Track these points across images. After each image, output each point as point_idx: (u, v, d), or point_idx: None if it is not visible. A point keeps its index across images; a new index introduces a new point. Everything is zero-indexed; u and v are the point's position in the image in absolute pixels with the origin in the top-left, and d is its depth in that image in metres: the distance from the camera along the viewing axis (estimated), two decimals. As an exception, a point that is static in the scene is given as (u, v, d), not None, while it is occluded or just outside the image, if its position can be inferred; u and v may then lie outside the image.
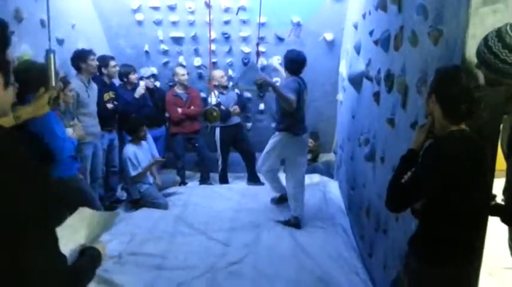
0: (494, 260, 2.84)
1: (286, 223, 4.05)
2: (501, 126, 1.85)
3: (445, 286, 1.67)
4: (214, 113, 4.89)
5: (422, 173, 1.65)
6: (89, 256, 1.43)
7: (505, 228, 2.04)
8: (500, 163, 1.83)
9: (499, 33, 1.56)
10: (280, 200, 4.55)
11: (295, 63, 4.00)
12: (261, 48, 5.23)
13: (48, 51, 2.41)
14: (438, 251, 1.68)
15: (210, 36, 4.54)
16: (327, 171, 5.63)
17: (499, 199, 1.91)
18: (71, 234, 1.47)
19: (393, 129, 2.75)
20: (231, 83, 5.54)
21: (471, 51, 1.76)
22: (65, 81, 3.61)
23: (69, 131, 3.33)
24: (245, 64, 5.42)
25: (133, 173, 4.42)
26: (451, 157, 1.59)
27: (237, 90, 5.45)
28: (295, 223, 4.03)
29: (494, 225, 1.89)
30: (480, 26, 1.76)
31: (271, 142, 4.20)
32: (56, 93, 3.09)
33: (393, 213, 1.92)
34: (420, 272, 1.73)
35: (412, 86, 2.37)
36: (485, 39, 1.61)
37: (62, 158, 3.06)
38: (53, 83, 2.81)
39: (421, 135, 1.78)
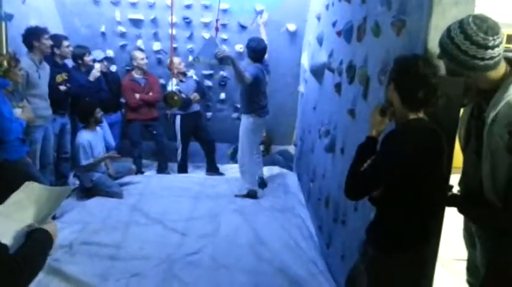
0: (446, 252, 2.94)
1: (245, 196, 4.42)
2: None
3: (401, 273, 1.69)
4: (175, 97, 4.77)
5: (381, 161, 1.66)
6: (37, 241, 1.30)
7: (457, 220, 2.09)
8: (457, 160, 1.87)
9: (461, 24, 1.58)
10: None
11: (256, 51, 4.27)
12: (224, 36, 5.17)
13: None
14: (395, 239, 1.71)
15: (171, 20, 4.39)
16: (285, 162, 5.66)
17: (455, 190, 1.96)
18: (16, 212, 1.37)
19: (353, 120, 2.77)
20: (192, 71, 5.43)
21: (433, 42, 1.78)
22: (15, 59, 3.37)
23: (18, 111, 3.14)
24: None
25: (84, 162, 4.22)
26: (409, 145, 1.61)
27: (195, 77, 5.35)
28: (253, 195, 4.43)
29: (446, 217, 1.94)
30: (442, 17, 1.78)
31: (241, 130, 4.46)
32: (7, 64, 2.90)
33: (352, 201, 1.92)
34: (377, 259, 1.74)
35: (374, 77, 2.38)
36: (448, 30, 1.63)
37: (8, 140, 2.89)
38: (3, 51, 2.61)
39: (381, 122, 1.79)
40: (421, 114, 1.68)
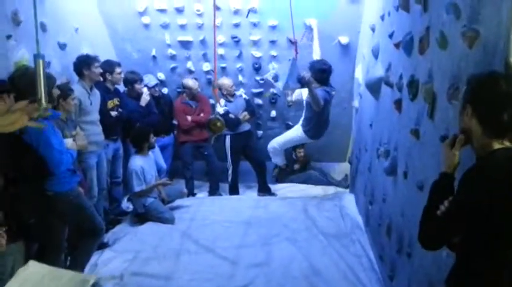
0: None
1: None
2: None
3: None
4: (218, 123, 4.70)
5: (462, 203, 1.38)
6: None
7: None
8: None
9: None
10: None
11: (324, 72, 4.27)
12: (273, 52, 5.03)
13: (36, 57, 2.16)
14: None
15: (215, 40, 4.32)
16: (319, 178, 5.59)
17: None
18: None
19: (418, 141, 2.48)
20: (241, 90, 5.33)
21: (516, 55, 1.50)
22: (68, 89, 3.42)
23: (69, 141, 3.13)
24: (256, 69, 5.20)
25: (137, 188, 4.20)
26: (496, 182, 1.32)
27: (244, 96, 5.25)
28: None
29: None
30: (526, 26, 1.50)
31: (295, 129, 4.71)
32: (52, 102, 2.91)
33: (429, 250, 1.63)
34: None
35: (442, 94, 2.10)
36: None
37: (59, 172, 2.86)
38: (42, 92, 2.61)
39: (453, 156, 1.51)
40: (507, 143, 1.39)
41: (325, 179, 5.60)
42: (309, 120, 4.43)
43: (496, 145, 1.40)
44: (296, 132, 4.74)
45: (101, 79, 4.16)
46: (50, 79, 2.92)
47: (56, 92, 3.02)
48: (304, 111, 4.60)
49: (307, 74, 4.09)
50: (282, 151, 5.03)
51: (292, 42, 4.49)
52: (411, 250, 2.54)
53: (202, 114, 5.12)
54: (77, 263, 3.19)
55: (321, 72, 4.16)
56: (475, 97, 1.43)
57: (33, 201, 2.84)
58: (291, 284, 3.11)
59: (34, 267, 1.31)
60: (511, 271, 1.39)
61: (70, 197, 2.97)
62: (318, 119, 4.40)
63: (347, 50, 4.88)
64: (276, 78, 4.29)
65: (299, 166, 5.72)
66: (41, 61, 2.05)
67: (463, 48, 1.86)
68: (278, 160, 5.09)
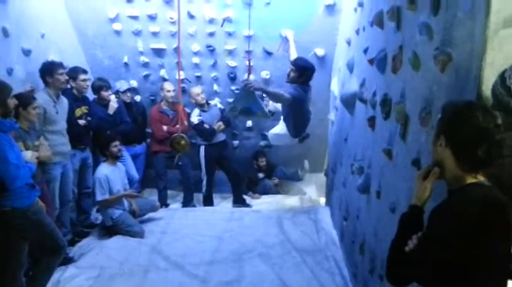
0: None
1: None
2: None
3: None
4: (182, 142, 4.51)
5: (432, 240, 1.31)
6: None
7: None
8: None
9: None
10: None
11: (305, 70, 4.04)
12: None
13: None
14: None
15: (179, 49, 4.21)
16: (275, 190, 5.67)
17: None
18: None
19: (391, 161, 2.42)
20: (217, 99, 5.23)
21: (488, 83, 1.45)
22: (30, 97, 3.25)
23: (28, 154, 2.97)
24: (231, 79, 5.11)
25: (99, 197, 4.04)
26: (466, 221, 1.26)
27: (219, 105, 5.16)
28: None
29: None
30: (499, 52, 1.46)
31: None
32: (8, 113, 2.75)
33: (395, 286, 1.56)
34: None
35: (414, 116, 2.05)
36: (502, 78, 1.33)
37: (15, 187, 2.70)
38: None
39: (424, 188, 1.44)
40: (481, 178, 1.34)
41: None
42: (286, 120, 4.25)
43: (469, 179, 1.34)
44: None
45: (68, 86, 3.99)
46: (4, 89, 2.76)
47: (13, 101, 2.84)
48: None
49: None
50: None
51: (247, 63, 4.27)
52: (383, 273, 2.48)
53: (177, 125, 4.99)
54: (37, 281, 3.02)
55: (304, 70, 3.98)
56: (450, 128, 1.36)
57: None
58: (261, 305, 3.01)
59: None
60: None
61: (28, 213, 2.81)
62: (294, 118, 4.15)
63: (323, 62, 4.83)
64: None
65: (263, 175, 5.65)
66: None
67: (435, 72, 1.81)
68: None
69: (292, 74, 4.00)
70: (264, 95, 4.08)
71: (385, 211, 2.46)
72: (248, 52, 4.46)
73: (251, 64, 4.26)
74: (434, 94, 1.83)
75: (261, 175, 5.64)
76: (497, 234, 1.29)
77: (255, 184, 5.63)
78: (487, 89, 1.47)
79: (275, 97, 3.93)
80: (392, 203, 2.34)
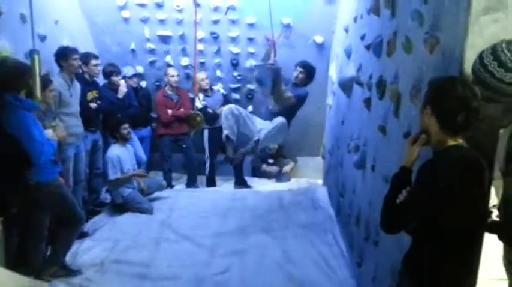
0: (484, 272, 2.79)
1: None
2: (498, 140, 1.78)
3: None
4: (198, 118, 4.83)
5: (418, 193, 1.57)
6: None
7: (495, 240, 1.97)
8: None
9: (494, 51, 1.50)
10: None
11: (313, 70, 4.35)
12: (250, 49, 5.18)
13: (32, 52, 2.21)
14: (433, 273, 1.61)
15: (195, 36, 4.40)
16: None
17: (494, 215, 1.85)
18: None
19: (385, 137, 2.68)
20: (219, 85, 5.46)
21: (470, 62, 1.69)
22: (47, 81, 3.46)
23: (49, 132, 3.18)
24: (233, 65, 5.33)
25: (112, 176, 4.29)
26: (448, 176, 1.51)
27: (222, 91, 5.39)
28: None
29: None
30: (480, 35, 1.69)
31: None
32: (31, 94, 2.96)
33: (388, 234, 1.82)
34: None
35: (406, 94, 2.30)
36: (481, 57, 1.55)
37: (40, 162, 2.92)
38: (37, 87, 2.69)
39: (413, 151, 1.70)
40: (460, 140, 1.59)
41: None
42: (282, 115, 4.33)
43: (451, 142, 1.59)
44: None
45: (80, 71, 4.20)
46: (27, 70, 2.96)
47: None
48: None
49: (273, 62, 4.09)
50: None
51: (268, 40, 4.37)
52: (378, 238, 2.75)
53: (182, 109, 5.22)
54: (58, 252, 3.27)
55: (312, 71, 4.32)
56: (435, 99, 1.61)
57: (16, 191, 2.91)
58: (265, 271, 3.28)
59: None
60: (458, 253, 1.60)
61: (51, 186, 3.04)
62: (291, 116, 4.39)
63: (322, 50, 5.07)
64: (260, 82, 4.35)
65: (273, 161, 5.90)
66: (36, 56, 2.16)
67: (425, 53, 2.05)
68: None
69: (301, 76, 4.26)
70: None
71: (379, 181, 2.71)
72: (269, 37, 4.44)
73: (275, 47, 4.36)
74: (424, 73, 2.07)
75: (270, 161, 5.88)
76: (473, 189, 1.54)
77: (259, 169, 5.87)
78: (468, 67, 1.70)
79: (280, 91, 4.04)
80: (385, 174, 2.58)
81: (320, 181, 5.46)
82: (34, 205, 3.03)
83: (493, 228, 1.75)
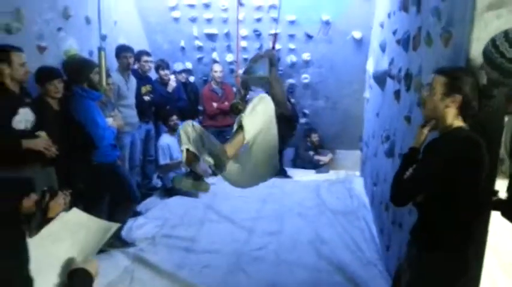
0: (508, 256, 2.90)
1: None
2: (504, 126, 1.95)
3: (443, 271, 1.80)
4: (240, 107, 5.11)
5: (421, 168, 1.78)
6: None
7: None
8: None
9: (506, 34, 1.67)
10: None
11: None
12: (291, 45, 5.43)
13: (100, 49, 2.66)
14: (436, 238, 1.81)
15: (238, 33, 4.70)
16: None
17: (503, 195, 2.00)
18: (52, 245, 1.31)
19: (409, 126, 2.86)
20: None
21: (475, 54, 1.88)
22: (107, 76, 3.90)
23: (110, 120, 3.62)
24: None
25: (162, 161, 4.73)
26: (448, 154, 1.71)
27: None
28: None
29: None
30: (484, 29, 1.87)
31: None
32: (92, 85, 3.40)
33: (398, 207, 2.05)
34: (420, 258, 1.86)
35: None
36: (493, 40, 1.71)
37: (103, 145, 3.35)
38: (103, 79, 3.14)
39: (422, 134, 1.92)
40: (462, 124, 1.78)
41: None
42: None
43: (456, 123, 1.79)
44: None
45: (135, 67, 4.66)
46: (89, 65, 3.41)
47: (97, 77, 3.50)
48: None
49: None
50: None
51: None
52: (402, 220, 2.95)
53: (226, 103, 5.57)
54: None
55: None
56: (458, 88, 1.75)
57: (82, 170, 3.37)
58: (298, 250, 3.55)
59: (74, 214, 1.57)
60: (461, 223, 1.79)
61: (112, 167, 3.47)
62: None
63: (360, 45, 5.24)
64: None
65: (313, 152, 6.14)
66: (102, 52, 2.60)
67: (441, 47, 2.24)
68: None
69: None
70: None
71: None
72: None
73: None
74: (440, 65, 2.26)
75: (311, 153, 6.11)
76: (471, 166, 1.72)
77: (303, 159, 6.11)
78: (474, 58, 1.90)
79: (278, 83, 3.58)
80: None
81: (358, 173, 5.63)
82: (96, 182, 3.48)
83: (497, 206, 1.93)
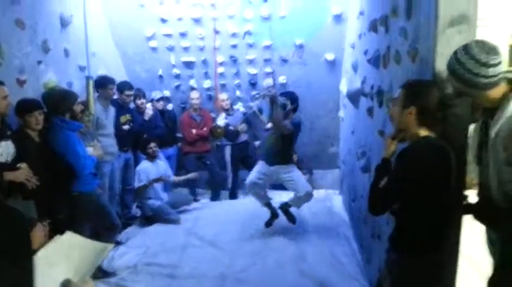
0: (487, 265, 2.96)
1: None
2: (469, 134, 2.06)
3: (420, 275, 1.85)
4: (219, 130, 5.29)
5: (394, 177, 1.86)
6: None
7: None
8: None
9: (466, 47, 1.79)
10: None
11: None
12: (267, 69, 5.59)
13: (88, 78, 2.72)
14: (413, 243, 1.88)
15: (215, 60, 4.84)
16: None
17: (473, 200, 2.09)
18: (48, 269, 1.33)
19: (383, 140, 2.96)
20: (239, 104, 5.85)
21: (440, 67, 2.00)
22: (85, 106, 3.92)
23: (90, 149, 3.62)
24: (252, 85, 5.74)
25: (137, 185, 4.72)
26: (418, 162, 1.80)
27: (242, 109, 5.77)
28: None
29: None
30: (447, 44, 1.99)
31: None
32: (74, 116, 3.41)
33: (375, 216, 2.11)
34: (398, 263, 1.93)
35: (397, 100, 2.59)
36: (455, 53, 1.83)
37: (83, 175, 3.34)
38: (92, 107, 3.15)
39: (392, 145, 2.01)
40: (428, 133, 1.87)
41: None
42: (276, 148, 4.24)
43: (423, 133, 1.89)
44: None
45: (114, 98, 4.68)
46: (72, 96, 3.44)
47: (79, 107, 3.52)
48: None
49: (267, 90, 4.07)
50: None
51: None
52: (380, 232, 3.01)
53: (205, 129, 5.63)
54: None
55: (297, 99, 4.18)
56: (417, 100, 1.87)
57: (63, 200, 3.32)
58: (282, 269, 3.58)
59: (68, 236, 1.59)
60: (435, 228, 1.86)
61: (92, 196, 3.45)
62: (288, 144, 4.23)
63: (333, 66, 5.43)
64: (260, 111, 4.69)
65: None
66: (91, 81, 2.72)
67: (409, 63, 2.37)
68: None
69: (289, 107, 4.05)
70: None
71: (381, 182, 2.98)
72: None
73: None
74: (409, 80, 2.38)
75: None
76: (441, 172, 1.80)
77: None
78: (439, 71, 2.02)
79: (277, 118, 3.89)
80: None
81: (337, 192, 5.71)
82: (76, 212, 3.44)
83: (468, 209, 2.01)
